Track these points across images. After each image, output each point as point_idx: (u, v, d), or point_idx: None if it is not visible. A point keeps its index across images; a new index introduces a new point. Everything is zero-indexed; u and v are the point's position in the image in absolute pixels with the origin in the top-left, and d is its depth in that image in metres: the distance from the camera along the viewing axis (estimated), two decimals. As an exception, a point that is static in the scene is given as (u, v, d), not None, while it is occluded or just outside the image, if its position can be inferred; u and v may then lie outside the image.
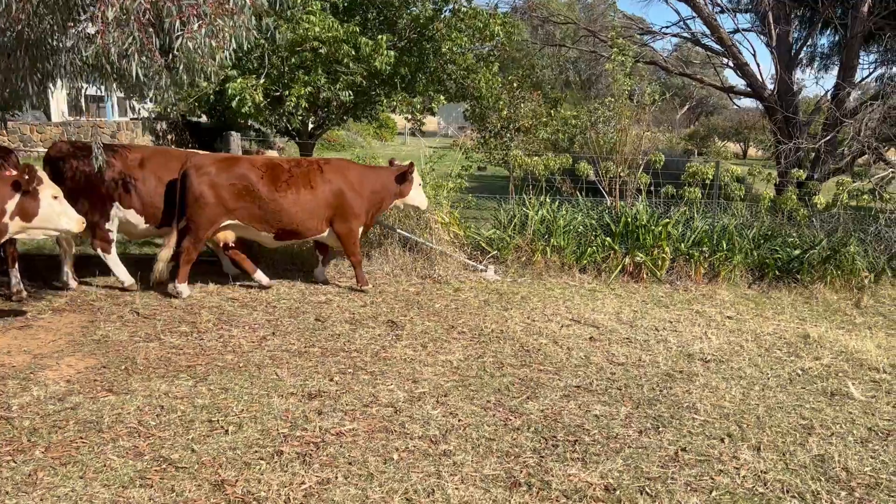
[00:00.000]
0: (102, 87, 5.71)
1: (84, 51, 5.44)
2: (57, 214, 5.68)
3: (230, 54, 5.42)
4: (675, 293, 8.69)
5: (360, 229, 7.87)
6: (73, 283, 7.36)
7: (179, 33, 4.88)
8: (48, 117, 22.46)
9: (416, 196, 8.16)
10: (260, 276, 7.76)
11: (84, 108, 24.63)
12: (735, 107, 49.39)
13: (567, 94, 25.51)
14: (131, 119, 23.20)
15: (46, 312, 6.60)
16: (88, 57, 5.43)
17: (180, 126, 20.91)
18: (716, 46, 14.83)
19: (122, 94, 7.18)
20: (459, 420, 4.66)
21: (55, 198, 5.69)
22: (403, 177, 7.97)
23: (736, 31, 14.94)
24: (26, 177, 5.44)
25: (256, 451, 4.13)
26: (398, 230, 9.14)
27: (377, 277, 8.60)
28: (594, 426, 4.68)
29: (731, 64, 14.42)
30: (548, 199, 9.49)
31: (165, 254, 7.31)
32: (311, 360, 5.70)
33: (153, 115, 20.20)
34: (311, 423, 4.50)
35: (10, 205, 5.45)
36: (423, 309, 7.39)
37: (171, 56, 5.49)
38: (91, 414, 4.51)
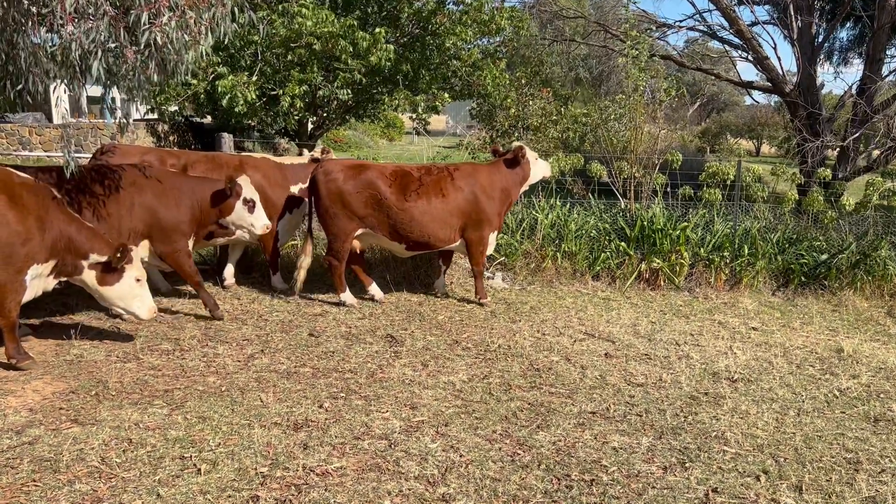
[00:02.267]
0: (72, 86, 5.23)
1: (50, 48, 4.98)
2: (132, 297, 5.58)
3: (207, 49, 4.94)
4: (694, 301, 8.15)
5: (492, 235, 7.49)
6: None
7: (147, 27, 4.39)
8: (49, 119, 22.10)
9: (539, 171, 7.69)
10: (374, 289, 7.53)
11: (87, 109, 24.28)
12: (749, 103, 48.62)
13: (578, 91, 24.89)
14: (115, 122, 22.80)
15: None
16: (55, 54, 4.97)
17: (183, 127, 20.50)
18: (734, 40, 14.24)
19: (97, 94, 6.75)
20: (461, 455, 4.16)
21: (137, 280, 5.58)
22: (516, 161, 7.50)
23: (755, 23, 14.27)
24: (118, 255, 5.34)
25: (230, 496, 3.65)
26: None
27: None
28: (613, 462, 4.16)
29: (750, 58, 13.78)
30: (558, 202, 8.96)
31: (306, 262, 7.23)
32: (301, 382, 5.21)
33: (144, 116, 19.77)
34: (294, 461, 4.01)
35: (94, 258, 5.38)
36: (425, 321, 6.90)
37: (146, 52, 5.02)
38: (50, 450, 4.04)
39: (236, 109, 8.34)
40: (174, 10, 4.58)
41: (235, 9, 5.19)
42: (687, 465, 4.17)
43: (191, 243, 6.65)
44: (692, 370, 5.81)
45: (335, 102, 9.53)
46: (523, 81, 11.10)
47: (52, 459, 3.93)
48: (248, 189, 6.53)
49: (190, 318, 6.60)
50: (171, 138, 20.35)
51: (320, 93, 9.01)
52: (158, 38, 4.46)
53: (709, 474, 4.07)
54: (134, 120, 23.54)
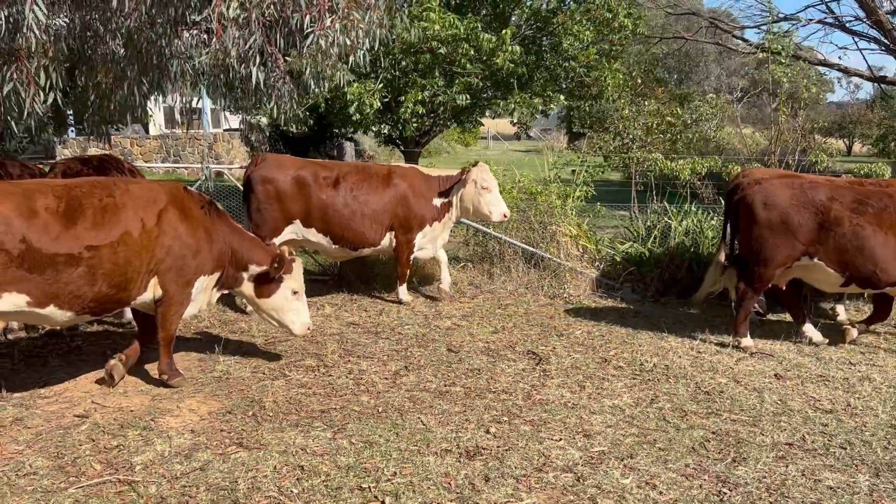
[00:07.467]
0: (215, 99, 5.12)
1: (197, 56, 4.87)
2: (286, 310, 5.34)
3: (364, 55, 4.73)
4: (858, 313, 7.48)
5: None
6: None
7: (310, 30, 4.19)
8: (146, 130, 22.79)
9: None
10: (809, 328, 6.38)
11: (180, 120, 24.94)
12: (831, 100, 46.21)
13: (692, 89, 23.92)
14: (224, 130, 23.34)
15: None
16: (203, 62, 4.85)
17: (274, 137, 20.76)
18: (862, 31, 13.31)
19: (228, 106, 6.67)
20: (661, 493, 3.76)
21: (294, 293, 5.36)
22: None
23: (893, 12, 13.29)
24: (275, 265, 5.15)
25: (423, 535, 3.37)
26: (520, 243, 8.31)
27: (500, 297, 7.82)
28: (834, 504, 3.69)
29: (893, 48, 12.83)
30: (693, 207, 8.39)
31: (701, 292, 6.95)
32: (457, 403, 4.93)
33: (257, 126, 20.05)
34: (479, 494, 3.71)
35: (253, 269, 5.24)
36: (563, 337, 6.52)
37: (303, 62, 4.85)
38: (223, 477, 3.86)
39: (355, 118, 8.20)
40: (335, 13, 4.38)
41: (386, 13, 4.98)
42: (922, 509, 3.66)
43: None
44: (880, 394, 5.24)
45: (449, 108, 9.28)
46: (639, 81, 10.63)
47: (229, 488, 3.75)
48: None
49: (325, 332, 6.43)
50: (263, 147, 20.62)
51: (439, 99, 8.79)
52: (322, 43, 4.25)
53: (953, 522, 3.55)
54: (225, 130, 24.10)
